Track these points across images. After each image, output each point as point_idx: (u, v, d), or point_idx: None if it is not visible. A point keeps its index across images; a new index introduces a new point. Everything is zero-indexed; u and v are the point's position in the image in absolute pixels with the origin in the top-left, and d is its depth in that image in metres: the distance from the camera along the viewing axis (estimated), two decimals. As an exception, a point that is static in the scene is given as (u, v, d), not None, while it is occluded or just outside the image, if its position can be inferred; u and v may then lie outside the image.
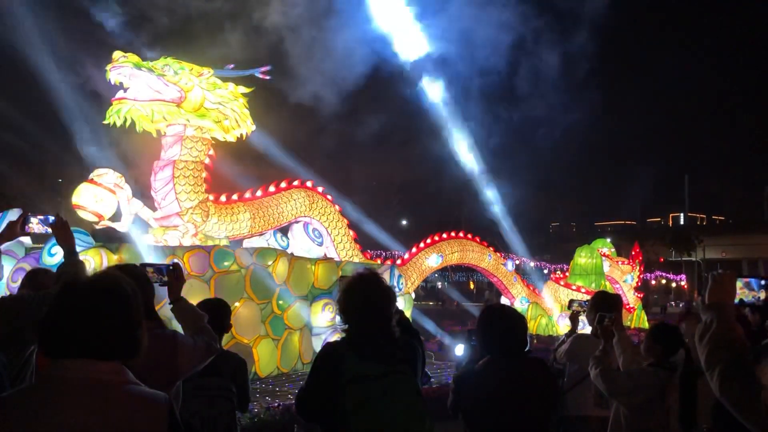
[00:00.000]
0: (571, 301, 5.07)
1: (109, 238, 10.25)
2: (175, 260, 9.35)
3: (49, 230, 3.45)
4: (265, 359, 10.37)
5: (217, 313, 3.94)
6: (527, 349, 3.24)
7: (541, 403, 3.04)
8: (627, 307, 20.71)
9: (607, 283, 20.76)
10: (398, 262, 15.58)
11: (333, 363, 2.70)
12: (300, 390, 2.87)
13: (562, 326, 17.80)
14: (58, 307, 1.87)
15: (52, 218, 3.36)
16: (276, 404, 7.62)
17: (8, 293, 8.51)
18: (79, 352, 1.81)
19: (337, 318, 2.97)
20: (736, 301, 2.49)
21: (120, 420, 1.78)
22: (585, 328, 5.00)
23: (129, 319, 1.92)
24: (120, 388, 1.83)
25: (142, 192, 11.81)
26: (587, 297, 6.24)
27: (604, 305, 4.39)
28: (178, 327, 3.06)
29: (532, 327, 19.02)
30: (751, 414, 2.11)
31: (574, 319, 5.11)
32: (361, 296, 2.83)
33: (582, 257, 20.78)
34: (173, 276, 3.02)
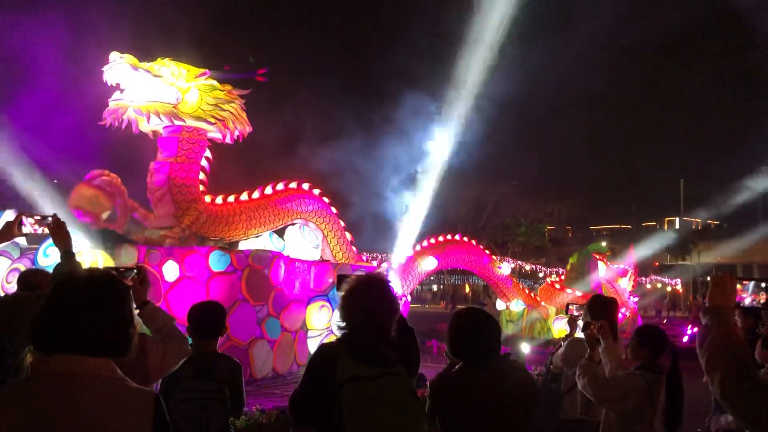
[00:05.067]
0: (568, 305, 5.06)
1: (105, 240, 10.20)
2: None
3: (45, 230, 3.42)
4: (260, 361, 10.34)
5: (211, 316, 3.91)
6: (507, 351, 3.15)
7: (517, 405, 2.96)
8: (622, 311, 20.74)
9: (608, 285, 20.80)
10: (394, 265, 15.59)
11: (327, 364, 2.67)
12: (294, 393, 2.82)
13: (558, 330, 17.82)
14: (52, 303, 1.88)
15: (49, 218, 3.33)
16: (271, 406, 7.60)
17: (3, 294, 8.49)
18: (71, 347, 1.83)
19: (335, 316, 2.93)
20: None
21: (107, 413, 1.80)
22: (581, 331, 5.00)
23: (122, 316, 1.94)
24: (108, 382, 1.84)
25: (139, 193, 11.78)
26: (584, 300, 6.24)
27: (599, 309, 4.39)
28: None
29: (527, 330, 19.05)
30: (753, 419, 2.09)
31: (572, 324, 5.09)
32: (368, 300, 2.78)
33: (577, 261, 20.80)
34: (137, 281, 2.95)
